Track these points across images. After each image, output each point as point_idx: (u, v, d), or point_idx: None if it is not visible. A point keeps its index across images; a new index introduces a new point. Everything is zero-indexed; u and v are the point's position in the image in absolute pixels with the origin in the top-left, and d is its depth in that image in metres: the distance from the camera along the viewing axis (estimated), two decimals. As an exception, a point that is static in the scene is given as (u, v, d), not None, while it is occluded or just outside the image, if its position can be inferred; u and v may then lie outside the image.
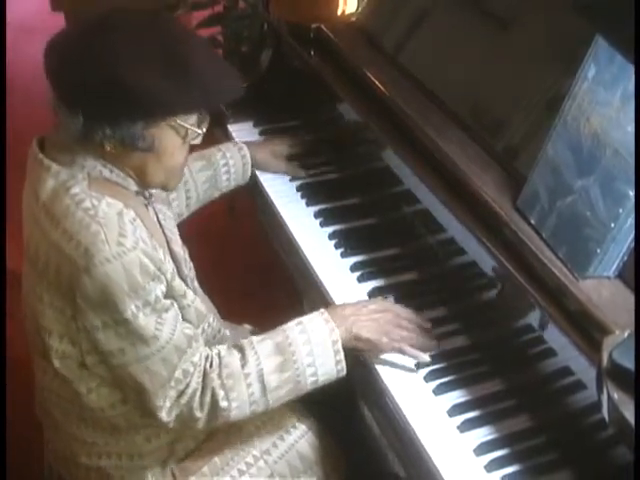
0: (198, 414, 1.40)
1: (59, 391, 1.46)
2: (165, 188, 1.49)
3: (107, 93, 1.27)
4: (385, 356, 1.49)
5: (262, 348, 1.43)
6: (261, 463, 1.57)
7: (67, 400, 1.46)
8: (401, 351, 1.46)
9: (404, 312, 1.53)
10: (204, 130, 1.40)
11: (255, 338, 1.45)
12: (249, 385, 1.40)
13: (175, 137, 1.37)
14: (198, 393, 1.39)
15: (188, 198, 1.79)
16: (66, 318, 1.35)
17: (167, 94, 1.29)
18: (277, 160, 1.95)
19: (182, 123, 1.35)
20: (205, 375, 1.40)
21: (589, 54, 1.27)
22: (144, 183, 1.43)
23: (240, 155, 1.88)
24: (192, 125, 1.37)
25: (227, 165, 1.85)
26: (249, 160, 1.89)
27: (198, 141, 1.42)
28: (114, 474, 1.53)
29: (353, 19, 1.95)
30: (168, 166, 1.41)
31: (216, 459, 1.56)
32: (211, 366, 1.41)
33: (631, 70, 1.19)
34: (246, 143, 1.94)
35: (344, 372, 1.46)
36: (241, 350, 1.43)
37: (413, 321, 1.52)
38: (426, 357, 1.46)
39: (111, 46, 1.27)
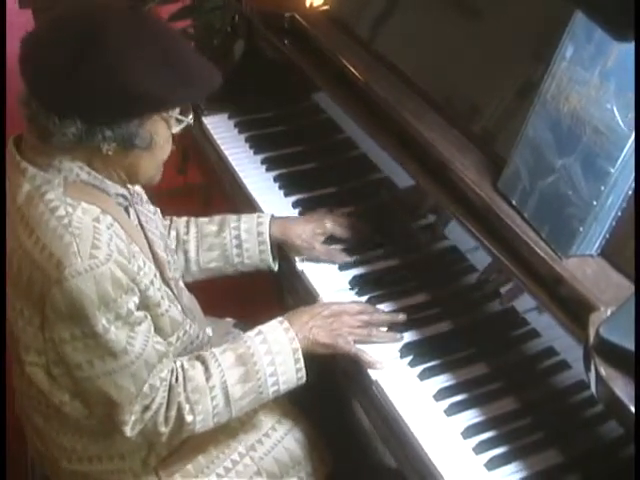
0: (162, 429, 1.38)
1: (38, 397, 1.44)
2: (151, 182, 1.45)
3: (105, 94, 1.24)
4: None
5: (224, 359, 1.42)
6: (247, 460, 1.56)
7: (46, 406, 1.44)
8: (357, 357, 1.46)
9: (359, 308, 1.53)
10: (191, 118, 1.39)
11: (216, 350, 1.44)
12: (213, 398, 1.39)
13: (165, 129, 1.36)
14: (163, 408, 1.37)
15: (187, 260, 1.67)
16: (34, 328, 1.33)
17: (160, 88, 1.26)
18: (311, 243, 1.68)
19: (172, 114, 1.35)
20: (171, 390, 1.38)
21: (566, 34, 1.27)
22: (134, 181, 1.41)
23: (257, 231, 1.66)
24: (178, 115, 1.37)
25: (239, 242, 1.66)
26: (267, 242, 1.66)
27: (180, 130, 1.40)
28: (97, 477, 1.51)
29: (327, 7, 1.94)
30: (159, 159, 1.39)
31: (200, 457, 1.54)
32: (177, 380, 1.39)
33: (609, 47, 1.20)
34: (276, 218, 1.70)
35: (304, 379, 1.46)
36: (204, 362, 1.42)
37: (370, 314, 1.52)
38: (379, 365, 1.44)
39: (103, 47, 1.23)
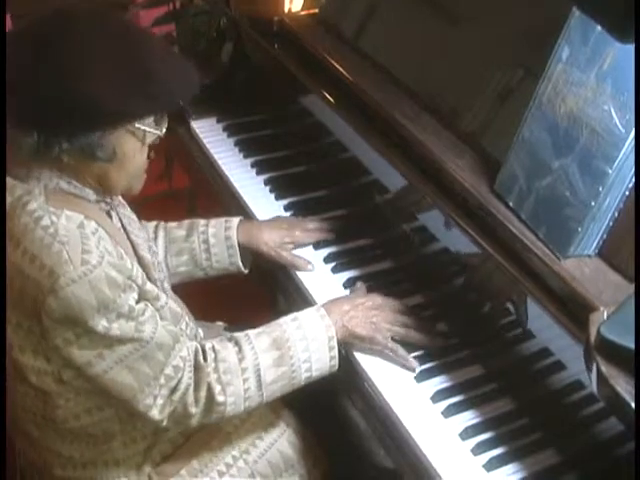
0: (193, 410, 1.37)
1: (33, 408, 1.42)
2: (129, 192, 1.43)
3: (61, 106, 1.21)
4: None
5: (259, 343, 1.42)
6: (241, 463, 1.55)
7: (42, 416, 1.42)
8: (393, 351, 1.46)
9: (402, 307, 1.53)
10: (163, 131, 1.36)
11: (252, 332, 1.44)
12: (246, 380, 1.39)
13: (134, 141, 1.32)
14: (191, 388, 1.37)
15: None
16: (36, 336, 1.31)
17: (122, 101, 1.23)
18: (278, 251, 1.68)
19: (139, 126, 1.31)
20: (198, 369, 1.37)
21: (562, 36, 1.28)
22: (108, 191, 1.38)
23: (224, 235, 1.66)
24: (149, 125, 1.32)
25: (207, 247, 1.66)
26: (236, 247, 1.66)
27: (157, 141, 1.37)
28: None
29: (316, 10, 1.94)
30: (130, 171, 1.36)
31: (194, 461, 1.53)
32: (205, 360, 1.38)
33: (605, 49, 1.21)
34: (245, 222, 1.70)
35: (336, 367, 1.46)
36: (237, 344, 1.42)
37: (409, 317, 1.52)
38: (414, 364, 1.45)
39: (61, 56, 1.22)
